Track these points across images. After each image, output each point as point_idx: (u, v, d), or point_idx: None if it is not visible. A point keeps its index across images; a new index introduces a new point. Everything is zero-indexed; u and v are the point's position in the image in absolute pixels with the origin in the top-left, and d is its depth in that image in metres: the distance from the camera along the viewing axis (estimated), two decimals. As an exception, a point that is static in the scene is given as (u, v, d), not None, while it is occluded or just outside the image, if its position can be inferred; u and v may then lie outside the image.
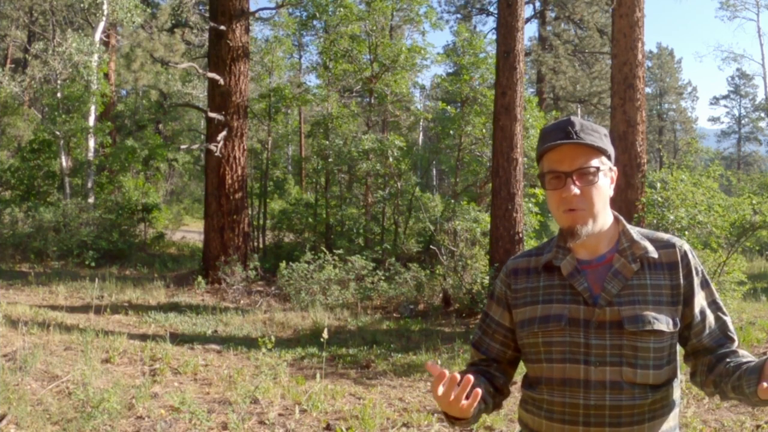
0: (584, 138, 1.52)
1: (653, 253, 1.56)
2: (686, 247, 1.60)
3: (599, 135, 1.55)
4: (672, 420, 1.57)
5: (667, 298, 1.54)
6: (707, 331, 1.58)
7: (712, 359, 1.58)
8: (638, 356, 1.50)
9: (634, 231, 1.61)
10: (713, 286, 1.63)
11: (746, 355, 1.56)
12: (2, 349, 5.56)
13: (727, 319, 1.61)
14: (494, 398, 1.68)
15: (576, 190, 1.51)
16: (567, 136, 1.52)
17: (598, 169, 1.53)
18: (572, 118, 1.56)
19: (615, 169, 1.61)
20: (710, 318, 1.58)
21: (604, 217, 1.58)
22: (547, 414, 1.57)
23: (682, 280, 1.55)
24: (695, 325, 1.57)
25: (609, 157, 1.57)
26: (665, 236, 1.62)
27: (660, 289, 1.54)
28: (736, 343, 1.60)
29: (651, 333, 1.50)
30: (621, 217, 1.65)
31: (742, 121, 44.11)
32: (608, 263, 1.57)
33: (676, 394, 1.60)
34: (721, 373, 1.53)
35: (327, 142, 13.46)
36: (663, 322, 1.51)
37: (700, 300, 1.57)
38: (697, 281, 1.58)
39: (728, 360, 1.55)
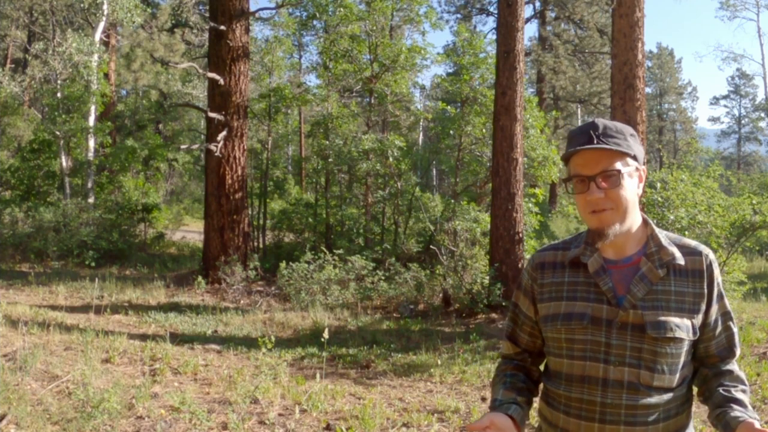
0: (607, 142, 1.53)
1: (680, 260, 1.58)
2: (712, 256, 1.62)
3: (623, 137, 1.56)
4: (686, 418, 1.61)
5: (689, 306, 1.57)
6: (715, 340, 1.62)
7: (709, 373, 1.64)
8: (657, 361, 1.53)
9: (662, 235, 1.63)
10: (726, 297, 1.67)
11: (737, 383, 1.60)
12: (2, 349, 5.56)
13: (735, 331, 1.66)
14: (533, 393, 1.75)
15: (600, 193, 1.53)
16: (589, 140, 1.54)
17: (619, 172, 1.53)
18: (596, 121, 1.57)
19: (643, 167, 1.62)
20: (720, 328, 1.62)
21: (633, 217, 1.59)
22: (564, 409, 1.61)
23: (705, 289, 1.58)
24: (705, 333, 1.61)
25: (635, 158, 1.57)
26: (692, 243, 1.64)
27: (683, 296, 1.57)
28: (736, 356, 1.65)
29: (671, 340, 1.53)
30: (650, 220, 1.67)
31: (742, 121, 44.11)
32: (634, 265, 1.59)
33: (691, 392, 1.65)
34: (711, 393, 1.60)
35: (327, 142, 13.45)
36: (684, 330, 1.54)
37: (714, 310, 1.61)
38: (716, 291, 1.61)
39: (722, 384, 1.60)
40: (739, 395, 1.57)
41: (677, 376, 1.56)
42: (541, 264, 1.70)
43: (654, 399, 1.53)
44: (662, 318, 1.53)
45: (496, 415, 1.55)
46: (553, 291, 1.65)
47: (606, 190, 1.53)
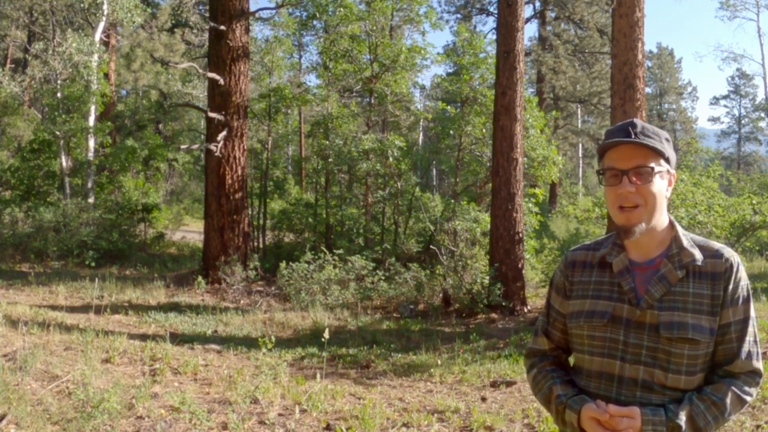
0: (644, 139, 1.58)
1: (699, 262, 1.59)
2: (734, 260, 1.61)
3: (659, 138, 1.61)
4: None
5: (707, 308, 1.57)
6: (723, 346, 1.59)
7: (709, 375, 1.61)
8: (671, 361, 1.54)
9: (687, 238, 1.65)
10: (753, 307, 1.61)
11: (709, 393, 1.54)
12: (2, 349, 5.56)
13: (750, 341, 1.58)
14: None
15: (631, 188, 1.57)
16: (627, 136, 1.59)
17: (653, 169, 1.58)
18: (635, 120, 1.63)
19: (674, 172, 1.66)
20: (733, 335, 1.58)
21: (659, 217, 1.63)
22: None
23: (722, 291, 1.58)
24: (716, 337, 1.58)
25: (668, 160, 1.61)
26: (717, 246, 1.65)
27: (701, 298, 1.57)
28: (739, 364, 1.57)
29: (686, 341, 1.54)
30: (676, 223, 1.69)
31: (742, 121, 44.11)
32: (656, 267, 1.62)
33: None
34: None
35: (327, 142, 13.45)
36: (699, 331, 1.54)
37: (729, 314, 1.58)
38: (733, 295, 1.58)
39: (697, 390, 1.57)
40: (693, 403, 1.52)
41: (696, 377, 1.56)
42: (572, 263, 1.77)
43: (668, 399, 1.54)
44: (677, 319, 1.54)
45: (589, 405, 1.57)
46: (581, 289, 1.71)
47: (637, 185, 1.57)
